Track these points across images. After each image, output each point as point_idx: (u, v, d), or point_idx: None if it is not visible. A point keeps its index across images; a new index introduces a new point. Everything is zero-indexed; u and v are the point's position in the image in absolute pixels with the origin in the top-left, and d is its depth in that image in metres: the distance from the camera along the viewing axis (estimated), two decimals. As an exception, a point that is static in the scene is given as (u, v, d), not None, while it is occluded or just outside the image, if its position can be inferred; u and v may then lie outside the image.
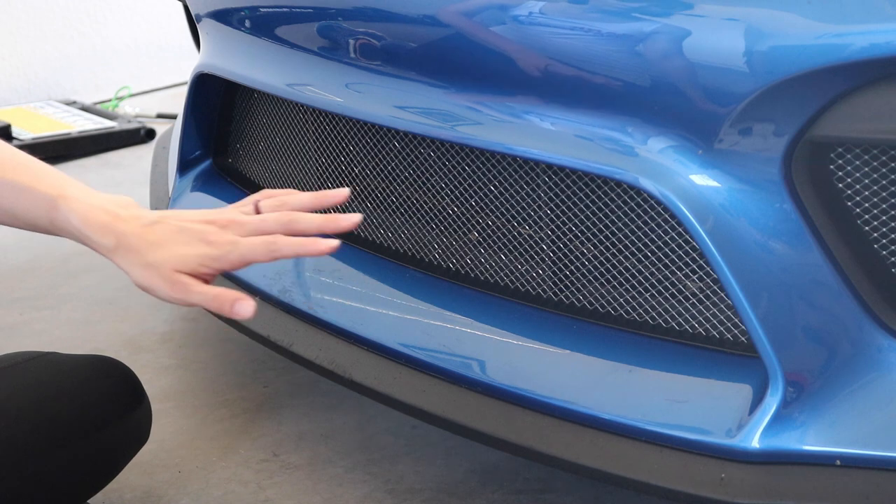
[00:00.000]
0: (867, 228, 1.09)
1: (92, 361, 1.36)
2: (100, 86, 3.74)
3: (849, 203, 1.09)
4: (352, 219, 1.15)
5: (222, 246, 1.14)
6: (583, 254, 1.28)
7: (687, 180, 1.11)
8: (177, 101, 2.30)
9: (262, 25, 1.55)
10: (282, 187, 1.68)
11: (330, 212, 1.24)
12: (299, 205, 1.18)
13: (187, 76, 1.80)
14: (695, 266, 1.20)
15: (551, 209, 1.29)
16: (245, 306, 1.11)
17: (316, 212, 1.18)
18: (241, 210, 1.19)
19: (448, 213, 1.41)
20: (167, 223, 1.17)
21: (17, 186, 1.21)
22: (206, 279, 1.15)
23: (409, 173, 1.43)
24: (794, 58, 1.02)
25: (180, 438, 1.61)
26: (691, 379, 1.17)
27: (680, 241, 1.20)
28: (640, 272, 1.24)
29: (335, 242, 1.13)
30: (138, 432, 1.38)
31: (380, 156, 1.47)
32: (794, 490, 1.08)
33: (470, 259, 1.39)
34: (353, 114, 1.40)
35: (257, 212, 1.18)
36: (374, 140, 1.47)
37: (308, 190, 1.61)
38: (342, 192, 1.18)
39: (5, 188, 1.22)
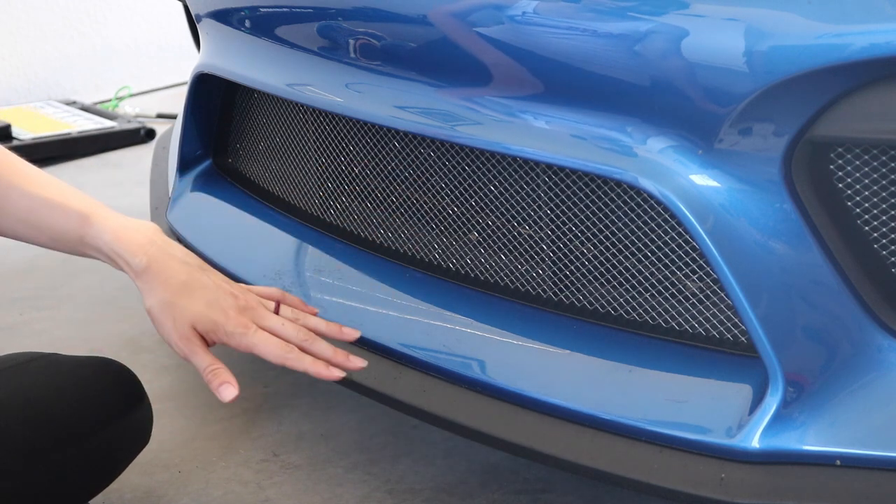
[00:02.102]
0: (867, 228, 1.09)
1: (92, 362, 1.37)
2: (100, 86, 3.74)
3: (849, 203, 1.09)
4: (358, 363, 1.24)
5: (237, 325, 1.20)
6: (583, 254, 1.28)
7: (687, 180, 1.11)
8: (177, 101, 2.30)
9: (262, 25, 1.55)
10: (282, 187, 1.68)
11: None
12: (314, 327, 1.25)
13: (187, 76, 1.80)
14: (695, 266, 1.20)
15: (551, 209, 1.29)
16: (228, 391, 1.19)
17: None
18: (262, 300, 1.25)
19: (448, 213, 1.41)
20: (200, 273, 1.23)
21: (49, 202, 1.24)
22: (210, 342, 1.22)
23: (409, 173, 1.43)
24: (794, 58, 1.02)
25: (180, 438, 1.61)
26: (691, 379, 1.17)
27: (680, 241, 1.20)
28: (640, 272, 1.24)
29: (342, 373, 1.21)
30: (139, 433, 1.38)
31: (380, 156, 1.47)
32: (794, 490, 1.08)
33: (470, 259, 1.39)
34: (353, 114, 1.40)
35: (277, 311, 1.25)
36: (374, 140, 1.47)
37: (308, 190, 1.61)
38: (353, 333, 1.27)
39: (36, 203, 1.24)
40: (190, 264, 1.24)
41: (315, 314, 1.29)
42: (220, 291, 1.22)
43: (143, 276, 1.22)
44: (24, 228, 1.27)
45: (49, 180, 1.28)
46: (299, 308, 1.28)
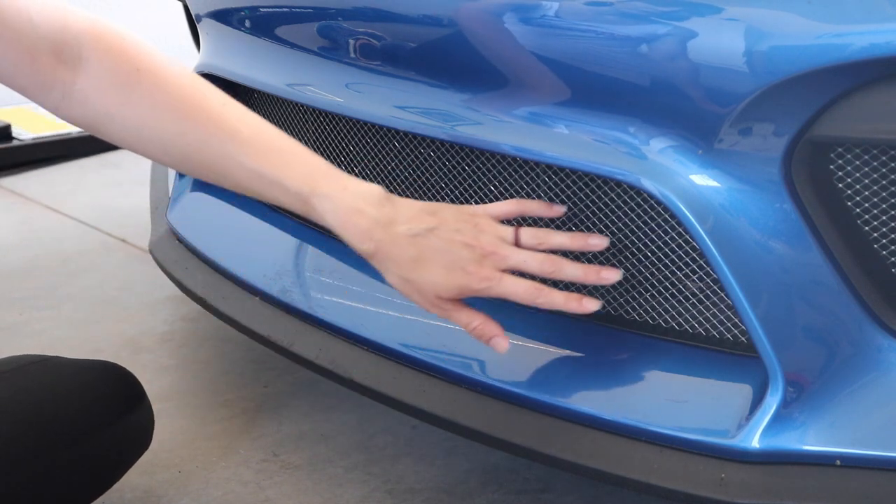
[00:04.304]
0: (867, 228, 1.09)
1: (93, 365, 1.37)
2: (100, 86, 3.74)
3: (849, 203, 1.09)
4: (612, 276, 1.17)
5: (480, 281, 1.17)
6: (583, 254, 1.28)
7: (687, 180, 1.11)
8: (177, 101, 2.31)
9: (261, 25, 1.55)
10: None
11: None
12: (558, 244, 1.19)
13: (187, 76, 1.80)
14: (695, 266, 1.20)
15: (551, 209, 1.29)
16: (502, 343, 1.18)
17: (571, 255, 1.19)
18: (500, 232, 1.19)
19: (448, 213, 1.40)
20: (429, 240, 1.18)
21: (266, 178, 1.19)
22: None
23: (409, 173, 1.43)
24: (794, 58, 1.02)
25: (180, 438, 1.61)
26: (691, 379, 1.17)
27: (680, 241, 1.20)
28: (640, 272, 1.24)
29: (598, 304, 1.17)
30: (140, 436, 1.38)
31: (380, 156, 1.47)
32: (794, 490, 1.08)
33: (470, 259, 1.39)
34: (354, 114, 1.40)
35: (516, 240, 1.19)
36: (374, 140, 1.47)
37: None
38: (600, 242, 1.19)
39: (254, 176, 1.20)
40: (417, 234, 1.18)
41: (560, 215, 1.23)
42: (454, 247, 1.17)
43: (374, 259, 1.19)
44: (249, 193, 1.23)
45: (266, 148, 1.21)
46: (543, 213, 1.23)
